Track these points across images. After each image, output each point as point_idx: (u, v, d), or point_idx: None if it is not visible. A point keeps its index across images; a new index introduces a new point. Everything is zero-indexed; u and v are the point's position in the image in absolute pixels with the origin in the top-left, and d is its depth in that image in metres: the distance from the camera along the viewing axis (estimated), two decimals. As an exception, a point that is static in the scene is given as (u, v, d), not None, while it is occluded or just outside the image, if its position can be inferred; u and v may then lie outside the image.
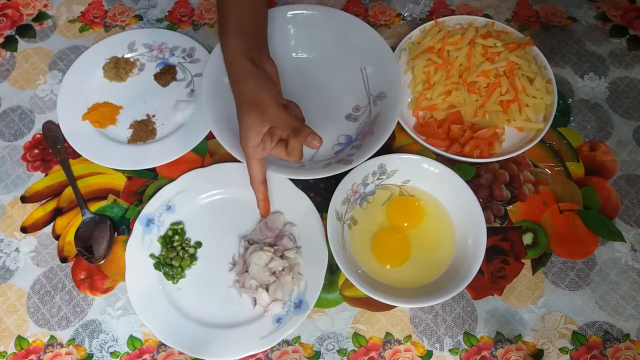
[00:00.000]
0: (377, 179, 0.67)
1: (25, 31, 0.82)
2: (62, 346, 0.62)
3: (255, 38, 0.60)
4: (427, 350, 0.62)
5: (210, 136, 0.71)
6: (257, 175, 0.60)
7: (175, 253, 0.64)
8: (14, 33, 0.82)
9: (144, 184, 0.70)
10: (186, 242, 0.66)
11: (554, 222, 0.68)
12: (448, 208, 0.66)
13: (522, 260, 0.66)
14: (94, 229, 0.67)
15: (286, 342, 0.62)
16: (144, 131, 0.72)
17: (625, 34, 0.81)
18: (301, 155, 0.60)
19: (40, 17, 0.83)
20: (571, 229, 0.68)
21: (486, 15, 0.82)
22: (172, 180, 0.68)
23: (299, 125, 0.54)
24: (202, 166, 0.70)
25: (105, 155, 0.70)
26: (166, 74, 0.76)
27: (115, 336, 0.63)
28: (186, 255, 0.65)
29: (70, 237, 0.67)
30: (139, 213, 0.67)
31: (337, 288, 0.64)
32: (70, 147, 0.71)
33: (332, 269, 0.65)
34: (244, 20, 0.60)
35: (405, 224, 0.65)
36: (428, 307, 0.64)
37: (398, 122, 0.68)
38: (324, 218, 0.64)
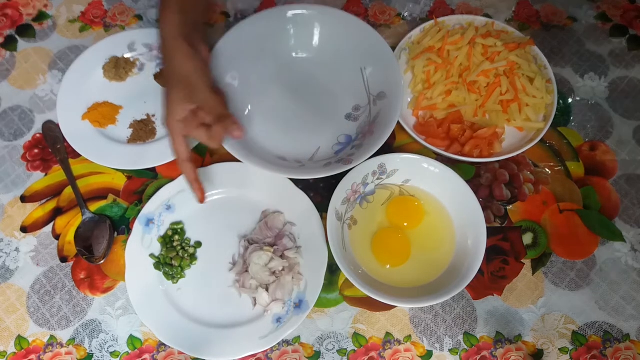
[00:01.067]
0: (377, 178, 0.67)
1: (25, 31, 0.82)
2: (62, 346, 0.62)
3: (194, 18, 0.62)
4: (427, 350, 0.62)
5: (210, 136, 0.71)
6: (183, 152, 0.60)
7: (175, 253, 0.64)
8: (14, 33, 0.82)
9: (143, 184, 0.70)
10: (186, 242, 0.66)
11: (554, 222, 0.68)
12: (448, 208, 0.66)
13: (522, 260, 0.66)
14: (94, 228, 0.67)
15: (286, 342, 0.62)
16: (143, 131, 0.72)
17: (626, 34, 0.81)
18: (222, 142, 0.60)
19: (40, 17, 0.83)
20: (571, 229, 0.68)
21: (486, 15, 0.82)
22: (172, 180, 0.68)
23: (224, 112, 0.58)
24: (202, 166, 0.70)
25: (105, 155, 0.70)
26: (166, 74, 0.76)
27: (115, 336, 0.63)
28: (186, 255, 0.65)
29: (70, 236, 0.67)
30: (139, 213, 0.67)
31: (337, 288, 0.64)
32: (70, 146, 0.71)
33: (332, 269, 0.65)
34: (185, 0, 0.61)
35: (405, 224, 0.65)
36: (428, 307, 0.64)
37: (398, 122, 0.68)
38: (324, 218, 0.64)
